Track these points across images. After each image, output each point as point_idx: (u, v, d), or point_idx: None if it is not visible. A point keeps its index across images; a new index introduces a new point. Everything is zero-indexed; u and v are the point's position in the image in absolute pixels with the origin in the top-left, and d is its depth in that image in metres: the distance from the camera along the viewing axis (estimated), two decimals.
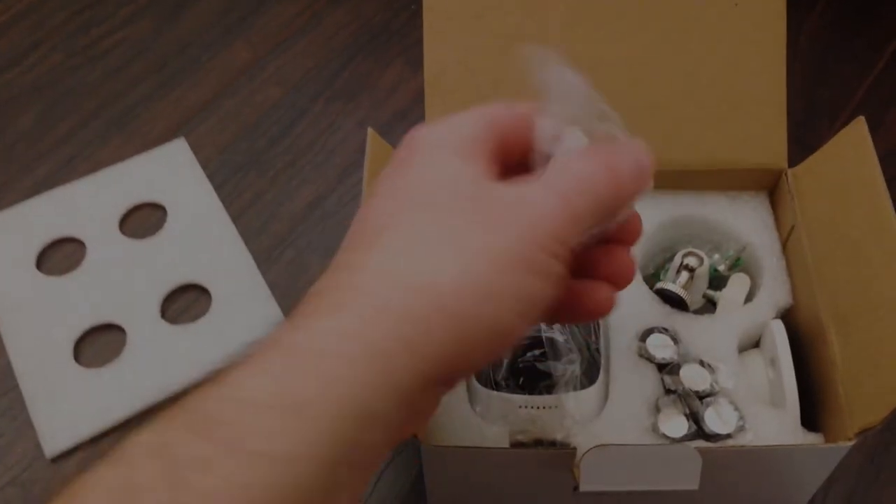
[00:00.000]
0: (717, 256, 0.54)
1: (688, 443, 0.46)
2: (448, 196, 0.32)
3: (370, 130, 0.49)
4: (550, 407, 0.47)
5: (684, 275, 0.52)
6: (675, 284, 0.52)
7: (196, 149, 0.73)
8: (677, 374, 0.48)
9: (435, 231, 0.31)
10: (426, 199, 0.32)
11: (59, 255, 0.67)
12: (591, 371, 0.47)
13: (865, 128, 0.48)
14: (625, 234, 0.37)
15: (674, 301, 0.52)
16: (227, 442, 0.26)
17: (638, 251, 0.54)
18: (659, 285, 0.52)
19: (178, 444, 0.27)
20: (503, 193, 0.32)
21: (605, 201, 0.33)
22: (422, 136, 0.35)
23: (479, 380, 0.47)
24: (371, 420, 0.28)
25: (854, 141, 0.48)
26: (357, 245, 0.32)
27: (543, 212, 0.32)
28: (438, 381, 0.31)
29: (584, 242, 0.34)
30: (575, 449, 0.44)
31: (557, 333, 0.47)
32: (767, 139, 0.53)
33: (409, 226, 0.32)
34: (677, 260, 0.53)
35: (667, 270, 0.53)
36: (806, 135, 0.69)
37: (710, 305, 0.55)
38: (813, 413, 0.48)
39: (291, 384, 0.28)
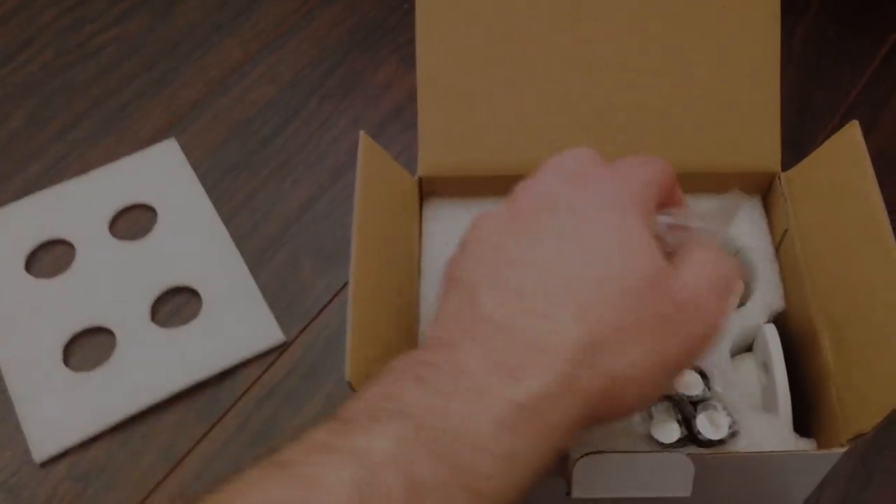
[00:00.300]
0: None
1: (680, 449, 0.46)
2: (645, 288, 0.34)
3: (362, 134, 0.49)
4: None
5: None
6: None
7: (187, 149, 0.72)
8: None
9: (631, 328, 0.34)
10: (628, 286, 0.34)
11: (49, 258, 0.67)
12: None
13: (859, 131, 0.47)
14: None
15: None
16: (461, 477, 0.30)
17: None
18: None
19: (419, 466, 0.29)
20: (680, 294, 0.35)
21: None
22: (593, 189, 0.37)
23: None
24: (543, 474, 0.32)
25: (848, 145, 0.48)
26: (545, 298, 0.34)
27: (709, 323, 0.36)
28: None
29: None
30: (567, 455, 0.44)
31: None
32: (761, 142, 0.53)
33: (616, 314, 0.34)
34: None
35: None
36: (799, 137, 0.68)
37: None
38: (805, 418, 0.48)
39: (512, 438, 0.31)
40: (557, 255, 0.35)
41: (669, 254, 0.37)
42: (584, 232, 0.35)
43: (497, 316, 0.33)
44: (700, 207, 0.40)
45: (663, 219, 0.39)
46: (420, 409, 0.30)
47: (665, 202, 0.39)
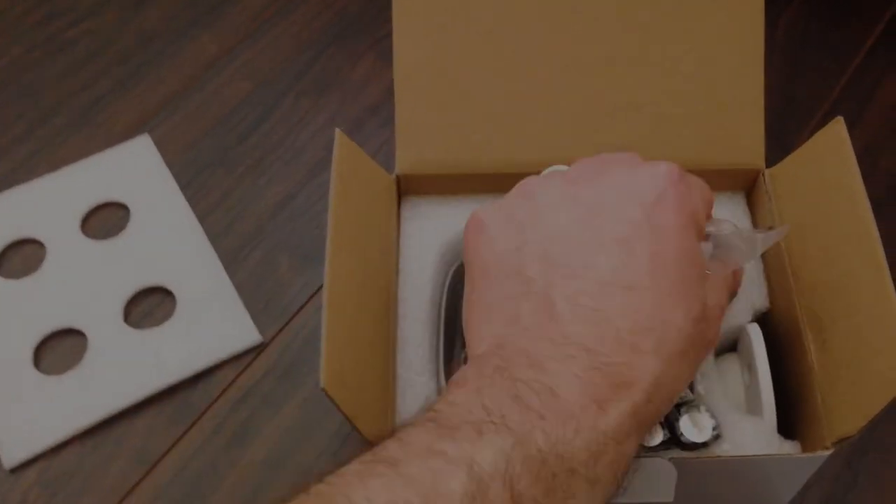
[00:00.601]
0: None
1: (663, 452, 0.45)
2: (699, 317, 0.36)
3: (338, 131, 0.47)
4: None
5: None
6: None
7: (161, 146, 0.71)
8: None
9: (687, 352, 0.36)
10: (688, 316, 0.36)
11: (18, 257, 0.65)
12: None
13: (844, 128, 0.47)
14: None
15: None
16: (555, 499, 0.30)
17: None
18: None
19: (519, 483, 0.30)
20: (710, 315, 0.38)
21: None
22: (683, 212, 0.38)
23: None
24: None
25: (832, 141, 0.47)
26: (632, 334, 0.35)
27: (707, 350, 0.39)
28: None
29: None
30: None
31: None
32: (744, 139, 0.52)
33: (675, 335, 0.35)
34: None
35: None
36: (782, 132, 0.68)
37: None
38: (790, 419, 0.47)
39: (597, 464, 0.32)
40: (634, 279, 0.35)
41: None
42: (657, 256, 0.36)
43: (581, 337, 0.34)
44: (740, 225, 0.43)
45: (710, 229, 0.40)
46: (520, 427, 0.31)
47: None
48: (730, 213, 0.54)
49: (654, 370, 0.34)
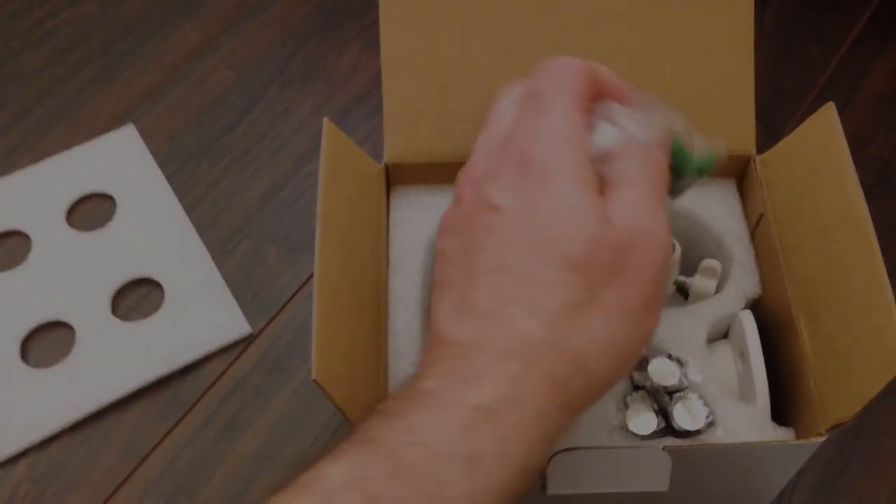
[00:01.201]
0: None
1: (657, 441, 0.45)
2: (583, 244, 0.33)
3: (326, 120, 0.47)
4: None
5: None
6: None
7: (146, 136, 0.70)
8: (645, 369, 0.47)
9: (583, 295, 0.33)
10: (569, 252, 0.33)
11: (3, 250, 0.65)
12: None
13: (835, 113, 0.46)
14: None
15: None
16: (420, 487, 0.30)
17: None
18: None
19: (374, 484, 0.29)
20: (621, 234, 0.34)
21: None
22: (540, 159, 0.34)
23: None
24: (529, 472, 0.32)
25: (823, 127, 0.47)
26: (505, 292, 0.33)
27: (657, 256, 0.34)
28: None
29: None
30: None
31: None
32: (735, 125, 0.52)
33: (562, 291, 0.33)
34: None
35: None
36: (771, 118, 0.68)
37: (677, 294, 0.54)
38: (783, 406, 0.47)
39: (473, 440, 0.31)
40: (499, 256, 0.34)
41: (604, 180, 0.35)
42: (515, 219, 0.34)
43: (453, 336, 0.34)
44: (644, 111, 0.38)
45: (600, 130, 0.36)
46: (381, 432, 0.31)
47: (601, 96, 0.38)
48: (721, 198, 0.54)
49: (534, 332, 0.33)
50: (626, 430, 0.45)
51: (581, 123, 0.35)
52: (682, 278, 0.52)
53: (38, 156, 0.69)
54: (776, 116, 0.69)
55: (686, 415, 0.45)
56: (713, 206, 0.53)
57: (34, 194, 0.66)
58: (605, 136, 0.36)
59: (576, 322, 0.33)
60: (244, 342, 0.61)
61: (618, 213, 0.34)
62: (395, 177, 0.54)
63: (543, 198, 0.34)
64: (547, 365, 0.32)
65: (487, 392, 0.31)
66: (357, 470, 0.30)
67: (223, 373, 0.60)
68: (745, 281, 0.51)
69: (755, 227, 0.52)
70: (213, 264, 0.64)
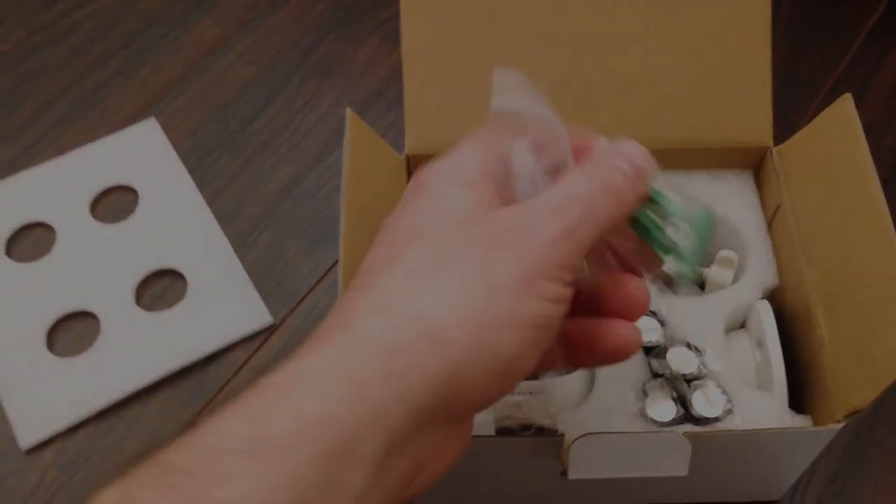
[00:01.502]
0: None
1: (676, 427, 0.45)
2: (451, 226, 0.32)
3: (349, 111, 0.48)
4: (536, 392, 0.47)
5: None
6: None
7: (167, 129, 0.71)
8: (664, 357, 0.48)
9: (435, 262, 0.31)
10: (429, 232, 0.32)
11: (29, 241, 0.65)
12: None
13: (852, 104, 0.47)
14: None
15: (663, 279, 0.51)
16: (190, 493, 0.26)
17: None
18: None
19: (141, 499, 0.26)
20: (505, 219, 0.32)
21: (606, 219, 0.33)
22: (427, 172, 0.35)
23: None
24: (351, 459, 0.27)
25: (840, 118, 0.48)
26: (360, 283, 0.32)
27: (544, 236, 0.32)
28: (437, 418, 0.30)
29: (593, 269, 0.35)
30: (563, 436, 0.43)
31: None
32: (752, 117, 0.53)
33: (409, 259, 0.32)
34: None
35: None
36: (787, 109, 0.68)
37: (695, 286, 0.54)
38: (800, 395, 0.48)
39: (263, 426, 0.27)
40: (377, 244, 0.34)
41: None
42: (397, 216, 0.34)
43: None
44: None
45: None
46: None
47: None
48: (738, 189, 0.54)
49: (360, 320, 0.30)
50: (646, 417, 0.46)
51: (485, 155, 0.35)
52: (699, 269, 0.53)
53: (61, 149, 0.70)
54: (791, 108, 0.69)
55: (705, 402, 0.46)
56: (730, 198, 0.54)
57: (58, 187, 0.67)
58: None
59: (422, 287, 0.31)
60: (266, 332, 0.62)
61: (510, 211, 0.33)
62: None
63: (423, 195, 0.34)
64: (372, 327, 0.30)
65: (283, 370, 0.29)
66: (126, 491, 0.26)
67: (245, 362, 0.61)
68: (762, 271, 0.51)
69: (772, 218, 0.52)
70: (234, 255, 0.64)
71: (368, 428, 0.28)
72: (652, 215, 0.35)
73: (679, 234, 0.35)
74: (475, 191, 0.33)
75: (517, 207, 0.33)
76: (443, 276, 0.31)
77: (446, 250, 0.32)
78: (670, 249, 0.35)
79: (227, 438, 0.27)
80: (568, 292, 0.32)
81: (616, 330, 0.36)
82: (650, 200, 0.35)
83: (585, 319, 0.36)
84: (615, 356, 0.36)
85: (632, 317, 0.36)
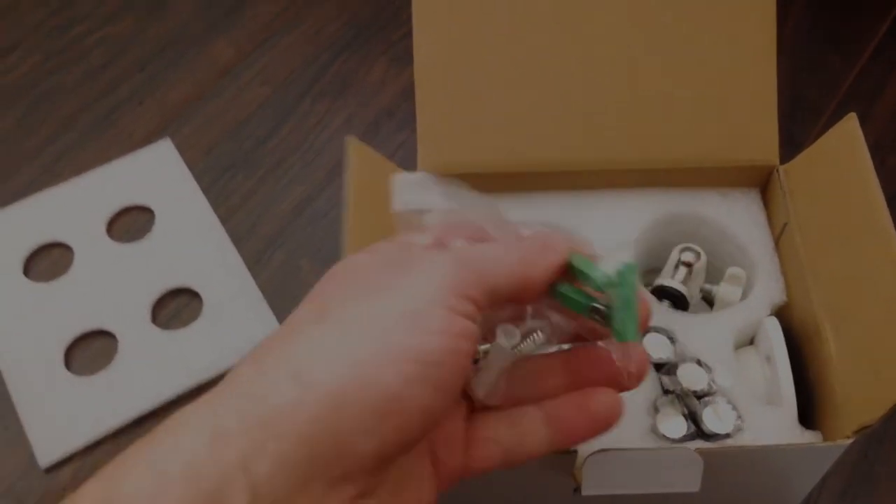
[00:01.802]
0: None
1: (687, 443, 0.46)
2: (339, 283, 0.33)
3: (349, 138, 0.48)
4: None
5: (682, 270, 0.52)
6: (673, 281, 0.52)
7: (182, 149, 0.72)
8: (675, 373, 0.48)
9: (316, 313, 0.31)
10: (319, 291, 0.33)
11: (47, 261, 0.67)
12: None
13: (857, 124, 0.48)
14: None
15: (673, 297, 0.52)
16: None
17: (630, 250, 0.54)
18: (658, 282, 0.52)
19: None
20: (392, 266, 0.32)
21: (505, 272, 0.33)
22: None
23: None
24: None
25: (846, 137, 0.48)
26: (272, 340, 0.32)
27: (433, 274, 0.31)
28: (327, 473, 0.28)
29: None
30: (576, 452, 0.44)
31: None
32: (758, 136, 0.53)
33: (294, 316, 0.32)
34: (674, 256, 0.53)
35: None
36: (793, 128, 0.69)
37: (703, 302, 0.55)
38: (810, 410, 0.48)
39: (118, 486, 0.27)
40: None
41: None
42: None
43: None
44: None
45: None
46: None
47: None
48: (745, 208, 0.55)
49: (238, 372, 0.31)
50: (657, 433, 0.47)
51: None
52: (707, 286, 0.54)
53: (78, 169, 0.71)
54: (798, 126, 0.70)
55: (715, 418, 0.46)
56: (738, 216, 0.55)
57: (76, 207, 0.68)
58: None
59: (294, 334, 0.31)
60: None
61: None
62: None
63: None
64: (244, 375, 0.30)
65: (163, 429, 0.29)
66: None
67: None
68: (770, 288, 0.52)
69: (779, 235, 0.53)
70: (248, 274, 0.65)
71: (235, 477, 0.27)
72: (570, 288, 0.35)
73: (609, 299, 0.34)
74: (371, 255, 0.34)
75: (417, 255, 0.33)
76: (318, 326, 0.30)
77: (329, 303, 0.31)
78: (601, 317, 0.35)
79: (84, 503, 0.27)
80: (465, 325, 0.31)
81: (599, 397, 0.35)
82: (571, 272, 0.35)
83: (568, 394, 0.36)
84: (596, 428, 0.36)
85: (625, 384, 0.36)
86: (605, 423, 0.36)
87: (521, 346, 0.35)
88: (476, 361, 0.34)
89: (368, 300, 0.31)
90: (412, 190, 0.37)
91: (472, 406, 0.36)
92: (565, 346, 0.37)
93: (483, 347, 0.34)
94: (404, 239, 0.35)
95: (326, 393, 0.28)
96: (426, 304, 0.30)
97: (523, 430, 0.36)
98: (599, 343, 0.37)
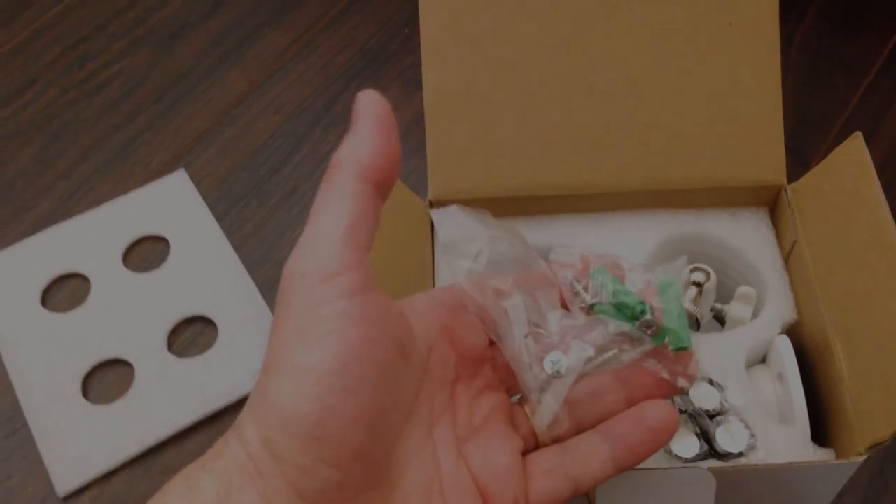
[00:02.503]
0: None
1: (700, 463, 0.46)
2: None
3: None
4: None
5: (693, 290, 0.52)
6: (684, 300, 0.52)
7: (196, 179, 0.73)
8: (686, 393, 0.48)
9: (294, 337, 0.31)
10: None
11: (64, 292, 0.67)
12: None
13: (863, 143, 0.48)
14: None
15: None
16: None
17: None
18: None
19: None
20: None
21: None
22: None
23: None
24: None
25: (852, 156, 0.49)
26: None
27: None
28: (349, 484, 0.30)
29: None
30: None
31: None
32: (765, 156, 0.54)
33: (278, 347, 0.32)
34: (684, 276, 0.53)
35: None
36: (800, 146, 0.69)
37: (713, 322, 0.55)
38: (822, 428, 0.48)
39: None
40: None
41: None
42: None
43: None
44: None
45: None
46: None
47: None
48: (754, 227, 0.55)
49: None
50: (670, 453, 0.47)
51: None
52: (718, 306, 0.54)
53: (95, 200, 0.72)
54: (805, 144, 0.70)
55: (728, 437, 0.47)
56: (747, 235, 0.55)
57: (92, 238, 0.69)
58: None
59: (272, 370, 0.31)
60: None
61: None
62: None
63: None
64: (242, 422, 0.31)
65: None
66: None
67: None
68: (780, 307, 0.52)
69: (788, 254, 0.53)
70: (262, 300, 0.66)
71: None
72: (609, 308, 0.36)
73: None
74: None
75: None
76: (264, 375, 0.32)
77: (271, 352, 0.32)
78: (649, 328, 0.36)
79: None
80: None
81: (653, 410, 0.36)
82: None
83: (623, 412, 0.36)
84: (663, 434, 0.36)
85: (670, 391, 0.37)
86: (666, 434, 0.36)
87: (597, 360, 0.36)
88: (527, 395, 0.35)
89: (285, 348, 0.31)
90: (454, 222, 0.37)
91: (526, 439, 0.36)
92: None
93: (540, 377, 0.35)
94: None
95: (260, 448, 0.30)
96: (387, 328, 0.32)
97: (586, 455, 0.36)
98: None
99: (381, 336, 0.31)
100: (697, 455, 0.46)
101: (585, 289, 0.37)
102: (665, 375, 0.36)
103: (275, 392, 0.30)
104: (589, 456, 0.36)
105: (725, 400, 0.48)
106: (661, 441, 0.36)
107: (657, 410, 0.36)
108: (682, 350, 0.35)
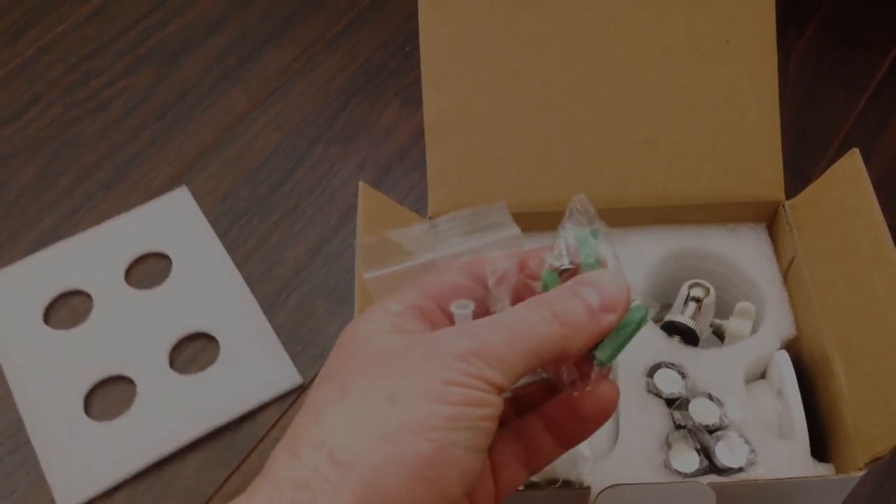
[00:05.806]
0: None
1: (700, 478, 0.46)
2: (359, 361, 0.33)
3: (361, 184, 0.49)
4: None
5: (692, 306, 0.53)
6: (683, 316, 0.52)
7: (198, 196, 0.73)
8: (686, 408, 0.48)
9: (337, 393, 0.32)
10: (337, 371, 0.33)
11: (66, 309, 0.68)
12: None
13: (860, 159, 0.48)
14: None
15: (683, 333, 0.52)
16: None
17: (641, 287, 0.54)
18: (668, 318, 0.53)
19: None
20: (414, 343, 0.32)
21: (548, 343, 0.33)
22: (353, 327, 0.34)
23: None
24: None
25: (849, 172, 0.49)
26: (300, 424, 0.32)
27: (450, 350, 0.31)
28: None
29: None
30: (589, 488, 0.44)
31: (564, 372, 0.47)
32: (764, 172, 0.54)
33: (316, 396, 0.32)
34: (683, 292, 0.53)
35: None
36: (798, 162, 0.69)
37: (713, 337, 0.55)
38: (822, 443, 0.48)
39: None
40: None
41: None
42: None
43: None
44: None
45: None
46: None
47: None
48: (753, 243, 0.55)
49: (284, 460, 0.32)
50: (670, 468, 0.47)
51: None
52: (717, 321, 0.54)
53: (98, 217, 0.72)
54: (803, 160, 0.71)
55: (728, 452, 0.47)
56: (746, 251, 0.55)
57: (95, 256, 0.70)
58: None
59: (320, 415, 0.31)
60: (296, 392, 0.63)
61: (424, 336, 0.33)
62: None
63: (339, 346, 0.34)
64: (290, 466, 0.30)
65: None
66: None
67: (276, 422, 0.62)
68: (779, 322, 0.52)
69: (787, 269, 0.54)
70: (264, 317, 0.66)
71: None
72: None
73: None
74: (399, 335, 0.33)
75: (432, 333, 0.33)
76: (342, 403, 0.31)
77: (350, 381, 0.32)
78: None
79: None
80: (486, 397, 0.31)
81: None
82: None
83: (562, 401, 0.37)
84: (596, 419, 0.36)
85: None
86: (604, 412, 0.36)
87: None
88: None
89: (386, 376, 0.31)
90: (379, 253, 0.37)
91: None
92: None
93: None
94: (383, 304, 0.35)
95: (363, 473, 0.29)
96: (443, 382, 0.31)
97: (533, 441, 0.37)
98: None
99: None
100: (697, 470, 0.47)
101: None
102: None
103: None
104: (534, 440, 0.37)
105: (725, 415, 0.48)
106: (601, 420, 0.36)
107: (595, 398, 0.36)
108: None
